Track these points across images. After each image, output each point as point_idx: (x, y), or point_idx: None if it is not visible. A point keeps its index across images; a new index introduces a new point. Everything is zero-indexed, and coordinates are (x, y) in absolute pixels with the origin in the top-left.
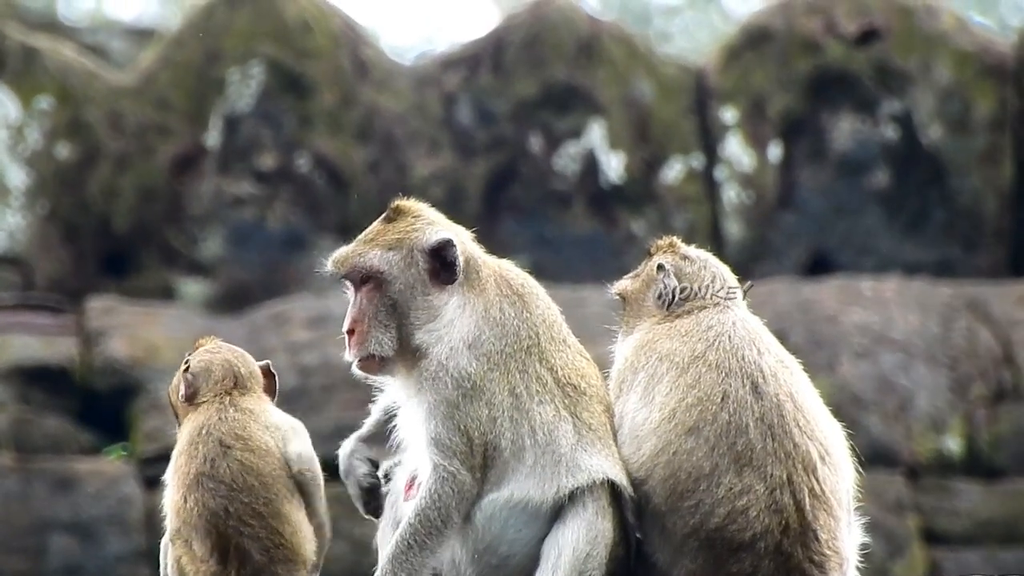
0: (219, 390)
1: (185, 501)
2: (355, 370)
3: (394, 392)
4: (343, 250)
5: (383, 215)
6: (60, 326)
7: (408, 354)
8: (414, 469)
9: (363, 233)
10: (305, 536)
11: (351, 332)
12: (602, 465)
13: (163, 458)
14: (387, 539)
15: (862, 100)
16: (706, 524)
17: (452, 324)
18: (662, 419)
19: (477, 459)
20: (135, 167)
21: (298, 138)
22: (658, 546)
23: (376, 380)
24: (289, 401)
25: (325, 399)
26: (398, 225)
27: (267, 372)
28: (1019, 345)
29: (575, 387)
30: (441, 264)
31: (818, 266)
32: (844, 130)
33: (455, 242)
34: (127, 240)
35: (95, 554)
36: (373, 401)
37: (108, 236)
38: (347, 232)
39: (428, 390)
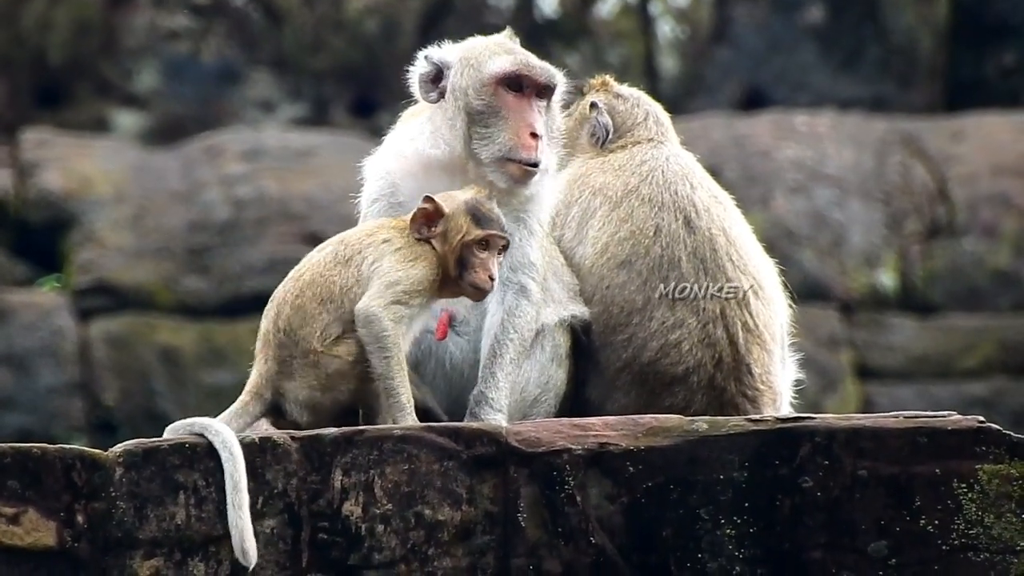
0: None
1: None
2: (528, 172)
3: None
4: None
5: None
6: None
7: None
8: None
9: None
10: None
11: (537, 136)
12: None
13: (97, 290)
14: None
15: None
16: (639, 358)
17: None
18: (594, 253)
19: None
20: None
21: None
22: (591, 382)
23: (520, 189)
24: (222, 233)
25: (259, 232)
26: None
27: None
28: (953, 181)
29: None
30: None
31: (752, 102)
32: None
33: None
34: (62, 73)
35: (28, 386)
36: (307, 235)
37: (42, 69)
38: (281, 66)
39: (532, 216)
